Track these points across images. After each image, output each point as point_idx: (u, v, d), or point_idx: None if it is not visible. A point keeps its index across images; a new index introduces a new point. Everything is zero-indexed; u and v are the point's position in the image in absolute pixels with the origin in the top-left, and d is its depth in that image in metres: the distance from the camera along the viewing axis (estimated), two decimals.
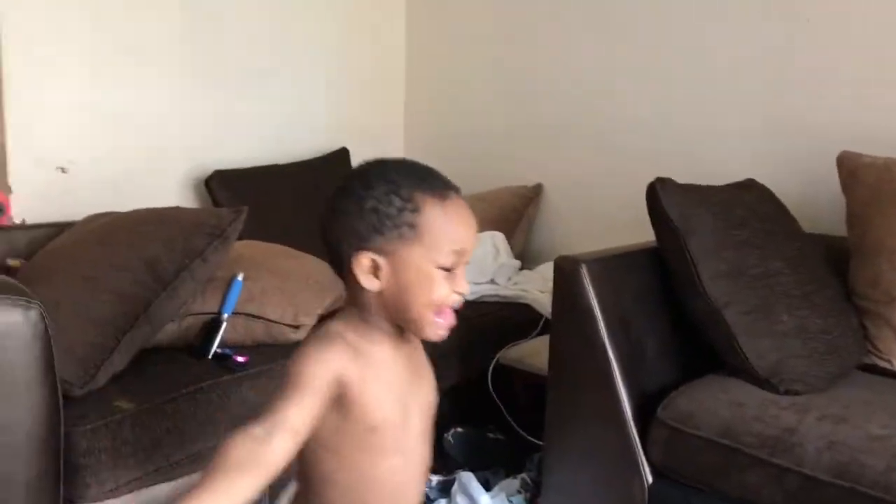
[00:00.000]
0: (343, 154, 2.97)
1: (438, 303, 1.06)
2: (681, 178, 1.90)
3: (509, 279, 2.60)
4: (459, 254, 1.06)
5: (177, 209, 2.08)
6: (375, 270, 1.05)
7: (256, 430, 0.98)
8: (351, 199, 1.05)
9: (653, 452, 1.73)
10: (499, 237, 2.66)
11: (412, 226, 1.03)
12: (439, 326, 1.07)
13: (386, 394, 1.08)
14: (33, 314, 1.46)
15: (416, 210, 1.04)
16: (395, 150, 3.16)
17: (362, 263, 1.05)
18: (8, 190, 2.27)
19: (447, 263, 1.05)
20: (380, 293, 1.06)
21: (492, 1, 3.03)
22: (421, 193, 1.04)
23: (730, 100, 2.47)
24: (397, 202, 1.03)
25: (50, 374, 1.50)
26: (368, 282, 1.05)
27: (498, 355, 2.30)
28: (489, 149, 3.04)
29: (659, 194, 1.81)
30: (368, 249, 1.04)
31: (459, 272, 1.07)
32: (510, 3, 2.97)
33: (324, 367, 1.03)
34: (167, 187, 2.61)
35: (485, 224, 2.65)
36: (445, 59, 3.18)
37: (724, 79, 2.48)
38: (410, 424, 1.12)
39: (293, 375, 1.02)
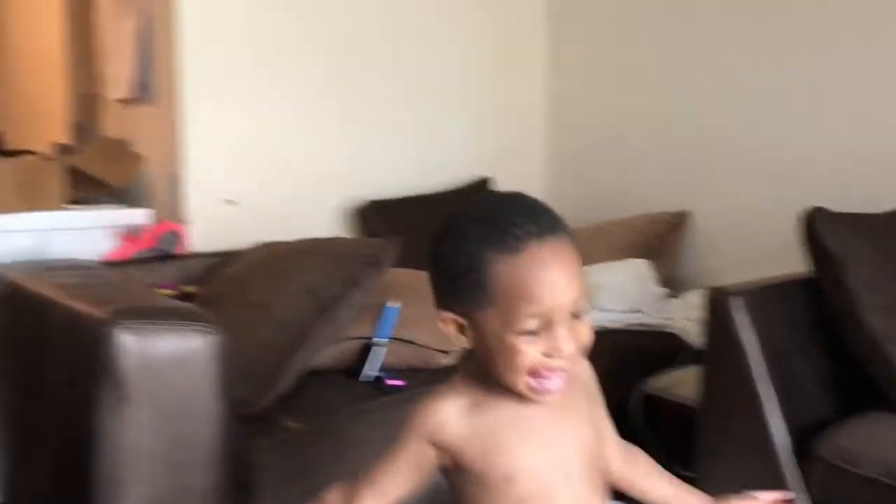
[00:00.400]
0: (483, 184, 3.04)
1: (529, 369, 0.94)
2: (838, 205, 1.85)
3: (654, 307, 2.58)
4: (544, 315, 0.92)
5: (336, 239, 2.21)
6: (461, 329, 0.98)
7: (346, 490, 1.04)
8: (430, 255, 0.99)
9: (809, 488, 1.68)
10: (643, 265, 2.64)
11: (481, 288, 0.93)
12: (538, 392, 0.95)
13: (520, 441, 0.99)
14: (213, 339, 1.59)
15: (481, 270, 0.92)
16: (534, 175, 3.19)
17: (445, 322, 0.99)
18: (184, 221, 2.47)
19: (529, 327, 0.92)
20: (474, 350, 0.99)
21: (639, 21, 3.01)
22: (489, 250, 0.92)
23: (892, 123, 2.37)
24: (463, 261, 0.94)
25: (225, 395, 1.63)
26: (457, 339, 0.99)
27: (643, 384, 2.29)
28: (634, 174, 3.02)
29: (815, 224, 1.77)
30: (449, 309, 0.98)
31: (560, 328, 0.93)
32: (659, 22, 2.94)
33: (424, 431, 1.00)
34: (324, 217, 2.76)
35: (629, 251, 2.65)
36: (588, 84, 3.20)
37: (888, 103, 2.37)
38: (564, 468, 1.01)
39: (399, 435, 1.02)
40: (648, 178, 2.97)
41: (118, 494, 1.51)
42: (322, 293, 1.94)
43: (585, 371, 1.09)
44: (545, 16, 3.25)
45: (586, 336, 0.96)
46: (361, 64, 2.84)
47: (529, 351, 0.92)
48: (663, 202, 2.88)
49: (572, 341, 0.93)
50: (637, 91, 3.01)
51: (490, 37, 3.15)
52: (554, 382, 0.95)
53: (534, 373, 0.94)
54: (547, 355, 0.93)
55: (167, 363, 1.56)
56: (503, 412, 0.99)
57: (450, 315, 0.98)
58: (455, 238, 0.95)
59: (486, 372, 0.98)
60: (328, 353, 2.02)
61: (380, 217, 2.75)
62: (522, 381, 0.94)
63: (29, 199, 2.24)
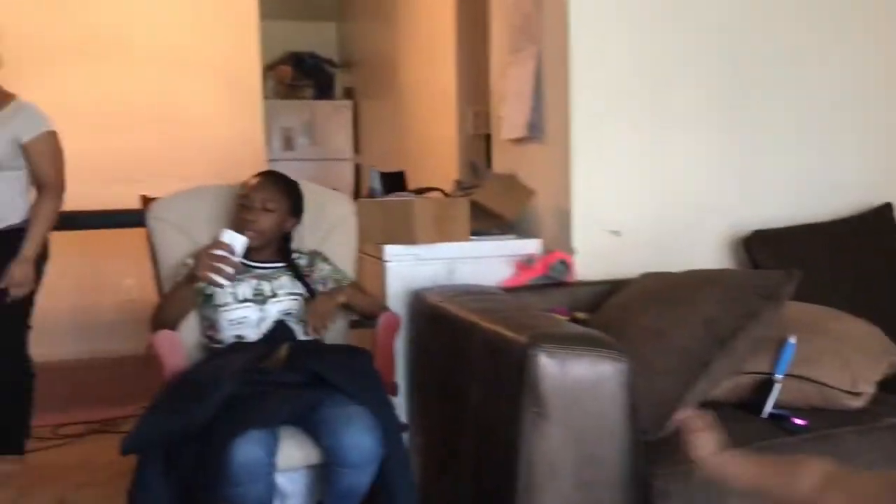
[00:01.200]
0: (886, 210, 2.80)
1: None
2: None
3: None
4: None
5: (729, 271, 2.20)
6: None
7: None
8: None
9: None
10: None
11: None
12: None
13: None
14: (623, 366, 1.68)
15: None
16: None
17: None
18: (572, 251, 2.62)
19: None
20: None
21: None
22: None
23: None
24: None
25: (633, 420, 1.71)
26: None
27: None
28: None
29: None
30: None
31: None
32: None
33: None
34: (706, 247, 2.73)
35: None
36: None
37: None
38: None
39: None
40: None
41: None
42: (719, 325, 1.93)
43: None
44: None
45: None
46: (744, 88, 2.78)
47: None
48: None
49: None
50: None
51: (884, 47, 2.91)
52: None
53: None
54: None
55: (581, 386, 1.67)
56: None
57: None
58: None
59: None
60: (724, 386, 2.01)
61: (764, 247, 2.66)
62: None
63: (442, 232, 2.53)
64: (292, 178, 2.36)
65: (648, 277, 2.36)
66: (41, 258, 2.87)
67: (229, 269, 2.04)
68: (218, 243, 2.06)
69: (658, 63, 2.70)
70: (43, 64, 4.49)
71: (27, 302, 2.84)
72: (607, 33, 2.63)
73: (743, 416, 1.97)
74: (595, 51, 2.62)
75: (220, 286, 2.09)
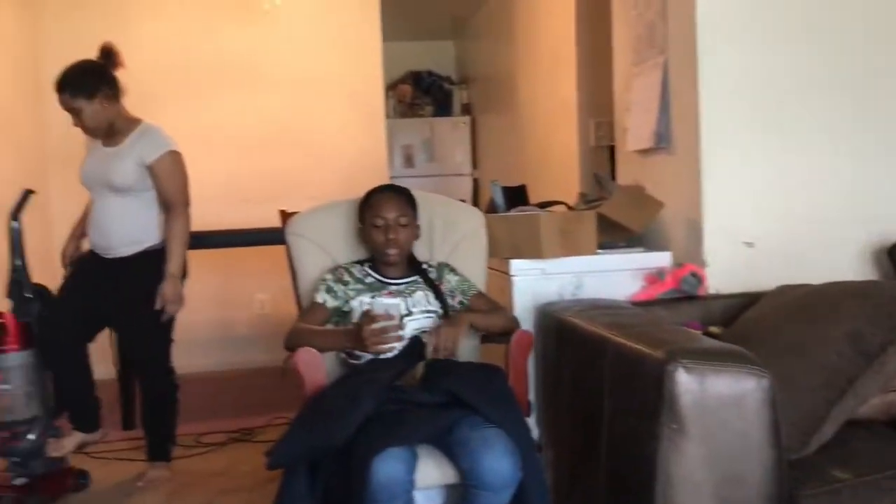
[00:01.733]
0: None
1: None
2: None
3: None
4: None
5: (873, 283, 2.11)
6: None
7: None
8: None
9: None
10: None
11: None
12: None
13: None
14: (765, 382, 1.63)
15: None
16: None
17: None
18: (704, 263, 2.56)
19: None
20: None
21: None
22: None
23: None
24: None
25: (777, 438, 1.65)
26: None
27: None
28: None
29: None
30: None
31: None
32: None
33: None
34: (844, 258, 2.63)
35: None
36: None
37: None
38: None
39: None
40: None
41: None
42: (866, 339, 1.85)
43: None
44: None
45: None
46: (882, 95, 2.66)
47: None
48: None
49: None
50: None
51: None
52: None
53: None
54: None
55: (721, 402, 1.63)
56: None
57: None
58: None
59: None
60: (873, 403, 1.92)
61: None
62: None
63: (569, 246, 2.52)
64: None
65: (786, 290, 2.28)
66: (181, 276, 3.03)
67: (395, 334, 2.08)
68: (377, 316, 2.05)
69: (790, 69, 2.62)
70: (184, 93, 4.78)
71: (170, 319, 3.01)
72: (736, 41, 2.58)
73: (892, 433, 1.88)
74: (724, 58, 2.56)
75: (392, 351, 2.11)
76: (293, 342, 2.17)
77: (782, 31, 2.60)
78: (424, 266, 2.36)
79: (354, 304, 2.25)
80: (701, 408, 1.63)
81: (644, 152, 2.90)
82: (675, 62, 2.69)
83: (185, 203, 3.00)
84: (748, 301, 2.39)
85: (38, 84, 4.20)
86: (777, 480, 1.63)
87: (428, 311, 2.25)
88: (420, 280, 2.32)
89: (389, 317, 2.05)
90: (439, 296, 2.30)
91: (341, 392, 1.99)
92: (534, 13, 4.78)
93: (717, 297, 2.52)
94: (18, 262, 2.87)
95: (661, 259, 2.65)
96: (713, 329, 2.32)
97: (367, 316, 2.07)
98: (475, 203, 6.30)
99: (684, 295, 2.54)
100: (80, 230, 3.19)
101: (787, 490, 1.65)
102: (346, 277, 2.29)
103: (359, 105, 5.06)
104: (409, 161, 6.46)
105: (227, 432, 3.61)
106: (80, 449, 3.06)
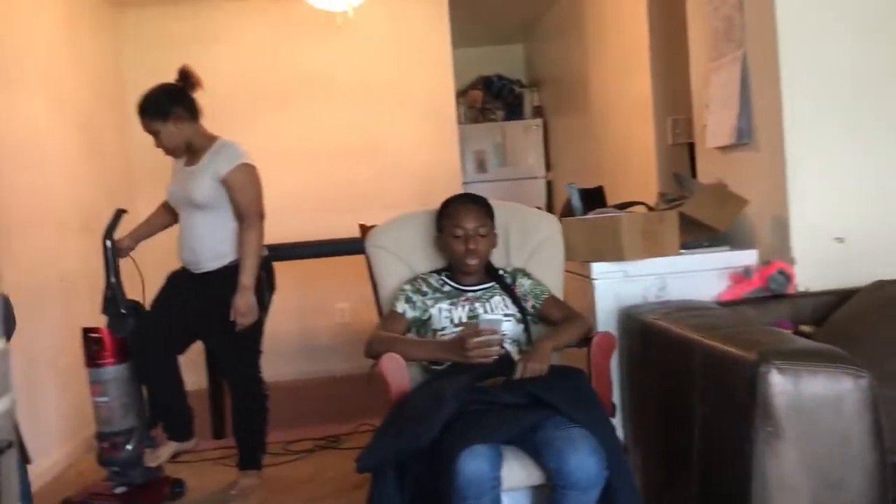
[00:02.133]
0: None
1: None
2: None
3: None
4: None
5: None
6: None
7: None
8: None
9: None
10: None
11: None
12: None
13: None
14: (863, 382, 1.58)
15: None
16: None
17: None
18: (792, 261, 2.49)
19: None
20: None
21: None
22: None
23: None
24: None
25: (879, 440, 1.60)
26: None
27: None
28: None
29: None
30: None
31: None
32: None
33: None
34: None
35: None
36: None
37: None
38: None
39: None
40: None
41: None
42: None
43: None
44: None
45: None
46: None
47: None
48: None
49: None
50: None
51: None
52: None
53: None
54: None
55: (817, 404, 1.59)
56: None
57: None
58: None
59: None
60: None
61: None
62: None
63: (651, 247, 2.49)
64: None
65: (884, 286, 2.20)
66: (269, 289, 3.10)
67: (496, 348, 2.10)
68: (482, 330, 2.07)
69: (876, 61, 2.53)
70: (262, 109, 4.91)
71: (258, 330, 3.08)
72: (818, 31, 2.50)
73: None
74: (806, 51, 2.49)
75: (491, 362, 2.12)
76: (377, 349, 2.19)
77: (869, 19, 2.52)
78: (500, 272, 2.37)
79: (433, 311, 2.28)
80: (796, 410, 1.58)
81: (725, 149, 2.84)
82: (754, 56, 2.63)
83: (259, 215, 3.04)
84: (840, 298, 2.32)
85: (124, 108, 4.35)
86: (880, 485, 1.58)
87: (507, 315, 2.26)
88: (496, 286, 2.33)
89: (493, 331, 2.07)
90: (516, 300, 2.30)
91: (425, 395, 2.01)
92: (604, 11, 4.73)
93: (807, 294, 2.45)
94: (113, 280, 2.98)
95: (747, 257, 2.58)
96: (804, 328, 2.26)
97: (470, 329, 2.10)
98: (549, 206, 6.26)
99: (772, 294, 2.48)
100: (142, 233, 3.23)
101: (892, 495, 1.59)
102: (425, 287, 2.32)
103: (431, 113, 5.09)
104: (481, 166, 6.46)
105: (314, 440, 3.67)
106: (174, 458, 3.16)
